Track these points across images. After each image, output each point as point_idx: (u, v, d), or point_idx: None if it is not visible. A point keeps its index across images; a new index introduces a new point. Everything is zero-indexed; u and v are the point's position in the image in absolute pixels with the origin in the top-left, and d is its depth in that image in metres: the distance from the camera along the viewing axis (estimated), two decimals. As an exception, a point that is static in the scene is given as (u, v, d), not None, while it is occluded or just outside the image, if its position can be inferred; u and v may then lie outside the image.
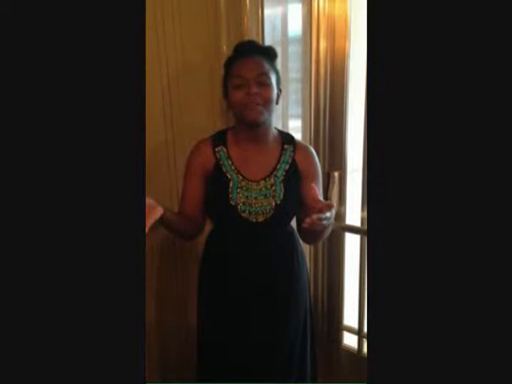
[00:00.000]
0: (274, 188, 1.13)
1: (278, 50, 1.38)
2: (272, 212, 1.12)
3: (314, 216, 0.91)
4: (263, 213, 1.13)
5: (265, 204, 1.12)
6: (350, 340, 1.73)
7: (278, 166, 1.16)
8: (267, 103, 1.08)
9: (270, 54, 1.13)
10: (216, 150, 1.17)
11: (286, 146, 1.18)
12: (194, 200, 1.18)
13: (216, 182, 1.15)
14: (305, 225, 0.91)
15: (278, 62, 1.43)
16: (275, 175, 1.15)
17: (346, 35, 1.43)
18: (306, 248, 1.53)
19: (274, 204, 1.13)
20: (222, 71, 1.16)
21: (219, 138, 1.19)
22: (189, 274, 1.53)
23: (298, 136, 1.43)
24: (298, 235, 1.26)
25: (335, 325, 1.73)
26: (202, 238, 1.28)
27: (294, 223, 1.26)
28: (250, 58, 1.09)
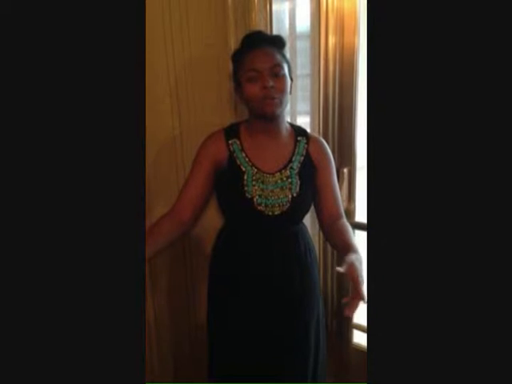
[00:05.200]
0: (290, 180, 1.12)
1: (286, 45, 1.37)
2: (288, 205, 1.11)
3: (355, 303, 0.86)
4: (279, 205, 1.11)
5: (281, 197, 1.11)
6: (360, 338, 1.71)
7: (293, 158, 1.15)
8: (283, 95, 1.07)
9: (278, 43, 1.11)
10: (229, 142, 1.16)
11: (299, 138, 1.18)
12: (190, 201, 1.16)
13: (230, 176, 1.13)
14: (345, 314, 0.87)
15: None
16: (291, 167, 1.14)
17: (355, 30, 1.41)
18: (315, 244, 1.52)
19: (290, 196, 1.11)
20: (229, 64, 1.15)
21: (232, 131, 1.18)
22: (198, 271, 1.53)
23: (306, 132, 1.42)
24: (307, 230, 1.25)
25: (345, 323, 1.71)
26: (209, 236, 1.27)
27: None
28: (261, 50, 1.07)
